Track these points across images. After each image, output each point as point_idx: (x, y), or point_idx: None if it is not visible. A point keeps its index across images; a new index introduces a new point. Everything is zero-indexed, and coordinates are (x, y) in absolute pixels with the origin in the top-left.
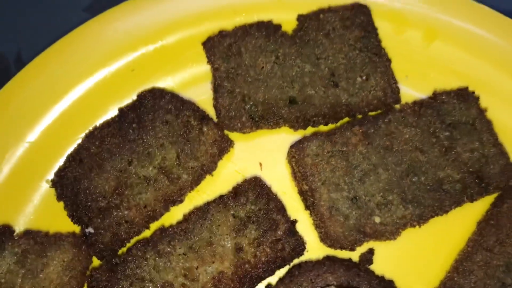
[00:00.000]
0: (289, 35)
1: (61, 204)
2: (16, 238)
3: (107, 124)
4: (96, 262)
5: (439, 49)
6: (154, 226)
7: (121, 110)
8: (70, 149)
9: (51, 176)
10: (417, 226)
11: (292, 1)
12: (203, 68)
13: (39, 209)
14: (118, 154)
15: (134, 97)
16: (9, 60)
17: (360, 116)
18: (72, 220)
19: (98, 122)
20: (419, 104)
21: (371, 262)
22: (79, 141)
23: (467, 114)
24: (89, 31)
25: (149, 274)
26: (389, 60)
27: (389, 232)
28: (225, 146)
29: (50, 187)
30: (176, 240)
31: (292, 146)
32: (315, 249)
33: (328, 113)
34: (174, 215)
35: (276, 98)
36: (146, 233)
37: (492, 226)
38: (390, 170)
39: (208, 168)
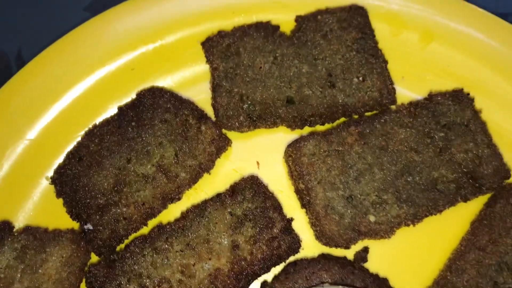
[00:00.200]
0: (287, 36)
1: (61, 200)
2: (15, 234)
3: (107, 122)
4: (94, 258)
5: (436, 51)
6: (152, 223)
7: (120, 108)
8: (69, 147)
9: (50, 173)
10: (411, 225)
11: (291, 2)
12: (202, 68)
13: (38, 205)
14: (117, 152)
15: (134, 96)
16: (10, 58)
17: (356, 117)
18: (71, 217)
19: (98, 120)
20: (414, 105)
21: (365, 260)
22: (79, 138)
23: (461, 115)
24: (89, 30)
25: (147, 270)
26: (385, 61)
27: (384, 231)
28: (223, 145)
29: (49, 184)
30: (174, 237)
31: (289, 145)
32: (310, 247)
33: (325, 113)
34: (172, 212)
35: (273, 98)
36: (144, 230)
37: (485, 226)
38: (385, 169)
39: (206, 167)
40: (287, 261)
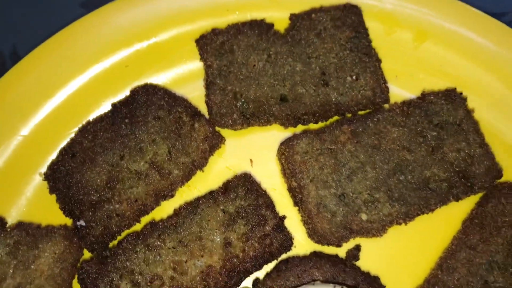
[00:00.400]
0: (281, 34)
1: (54, 197)
2: (8, 229)
3: (100, 118)
4: (87, 254)
5: (429, 50)
6: (144, 220)
7: (114, 105)
8: (63, 143)
9: (44, 169)
10: (403, 224)
11: (285, 1)
12: (196, 65)
13: (31, 201)
14: (111, 149)
15: (128, 93)
16: (5, 54)
17: (349, 115)
18: (64, 213)
19: (92, 116)
20: (407, 104)
21: (357, 258)
22: (72, 135)
23: (454, 114)
24: (83, 27)
25: (139, 267)
26: (379, 60)
27: (376, 230)
28: (216, 142)
29: (43, 180)
30: (166, 234)
31: (282, 143)
32: (302, 245)
33: (318, 112)
34: (165, 209)
35: (267, 96)
36: (137, 227)
37: (476, 225)
38: (378, 168)
39: (199, 164)
40: (279, 259)
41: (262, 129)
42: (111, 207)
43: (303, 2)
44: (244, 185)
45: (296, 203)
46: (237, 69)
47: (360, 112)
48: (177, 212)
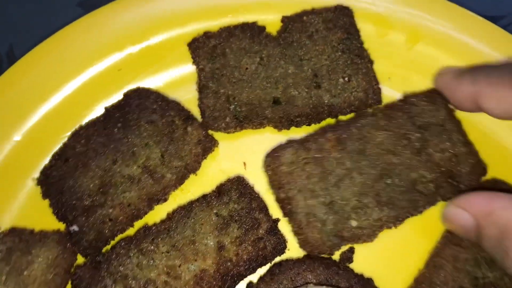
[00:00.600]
0: (273, 37)
1: (47, 202)
2: (1, 235)
3: (93, 123)
4: (80, 259)
5: (422, 52)
6: (138, 224)
7: (107, 109)
8: (56, 148)
9: (37, 174)
10: (393, 227)
11: (277, 3)
12: (189, 69)
13: (24, 207)
14: (103, 153)
15: (121, 96)
16: (2, 54)
17: (333, 121)
18: (57, 218)
19: (84, 121)
20: (389, 107)
21: (351, 261)
22: (65, 140)
23: (436, 115)
24: (75, 31)
25: (132, 271)
26: (371, 62)
27: (366, 235)
28: (209, 145)
29: (35, 185)
30: (160, 239)
31: (267, 155)
32: (296, 248)
33: (311, 114)
34: (158, 213)
35: (260, 98)
36: (130, 231)
37: None
38: (365, 173)
39: (192, 168)
40: (273, 262)
41: (255, 132)
42: (104, 212)
43: (295, 4)
44: (237, 188)
45: (285, 214)
46: (229, 72)
47: (341, 117)
48: (170, 216)
